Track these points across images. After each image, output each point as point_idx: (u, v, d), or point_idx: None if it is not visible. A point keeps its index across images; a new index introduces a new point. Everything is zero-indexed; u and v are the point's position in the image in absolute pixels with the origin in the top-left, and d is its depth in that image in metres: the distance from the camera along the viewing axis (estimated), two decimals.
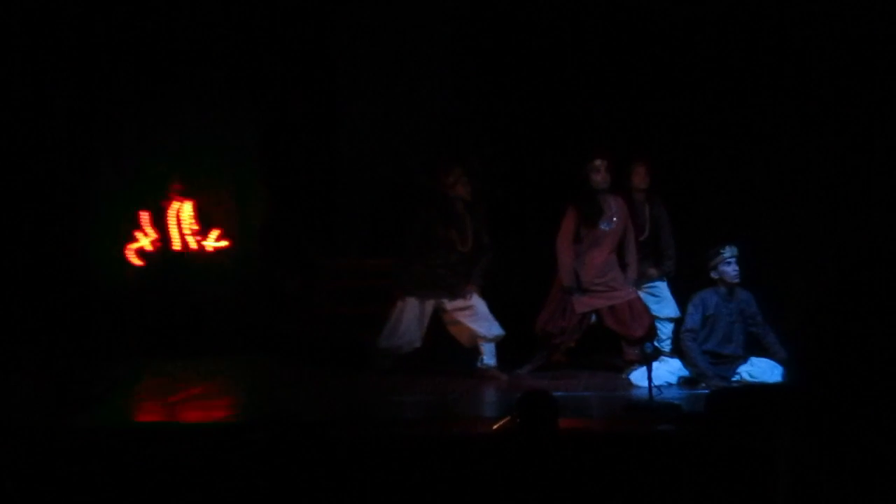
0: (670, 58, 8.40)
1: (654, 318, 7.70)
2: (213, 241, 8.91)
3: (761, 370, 7.13)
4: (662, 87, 8.39)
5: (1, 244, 8.46)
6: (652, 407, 6.36)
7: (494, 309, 7.67)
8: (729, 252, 7.18)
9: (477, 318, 7.60)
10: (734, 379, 7.18)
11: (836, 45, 7.82)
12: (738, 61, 8.22)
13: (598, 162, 7.58)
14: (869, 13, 7.68)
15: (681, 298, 7.64)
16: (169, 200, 8.87)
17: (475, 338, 7.63)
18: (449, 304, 7.64)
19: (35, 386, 7.22)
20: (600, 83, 8.51)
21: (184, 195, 8.89)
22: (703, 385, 7.03)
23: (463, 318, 7.62)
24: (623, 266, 7.69)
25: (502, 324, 7.63)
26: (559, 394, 5.42)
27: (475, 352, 7.65)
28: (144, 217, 8.87)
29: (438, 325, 7.80)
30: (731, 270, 7.17)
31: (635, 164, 7.80)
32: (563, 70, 8.56)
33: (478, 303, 7.63)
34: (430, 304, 7.65)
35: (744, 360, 7.22)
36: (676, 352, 7.53)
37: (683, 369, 7.29)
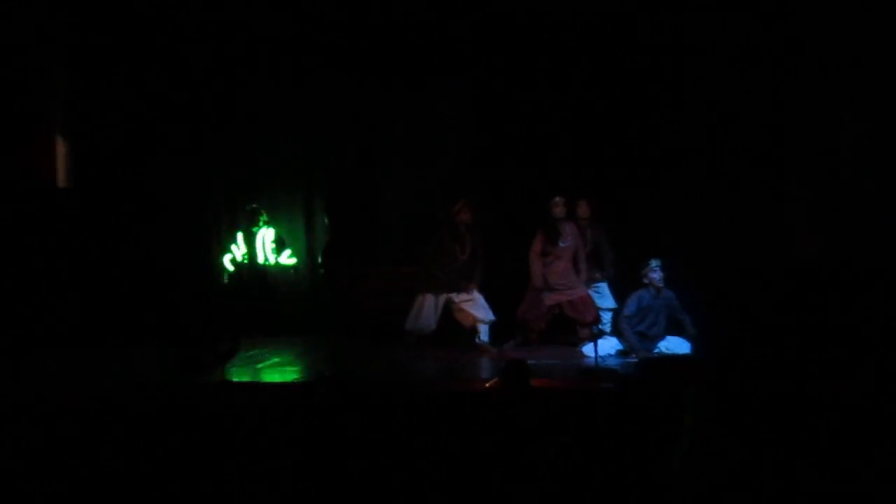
0: (604, 125, 8.40)
1: (599, 309, 7.67)
2: (286, 258, 8.92)
3: (675, 345, 7.12)
4: (602, 144, 8.40)
5: (146, 254, 8.43)
6: (598, 371, 6.37)
7: (489, 301, 7.65)
8: (654, 263, 7.20)
9: (477, 307, 7.58)
10: (655, 351, 7.14)
11: (736, 86, 7.66)
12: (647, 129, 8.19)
13: (557, 199, 7.61)
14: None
15: (621, 295, 7.60)
16: (258, 227, 8.87)
17: (475, 321, 7.62)
18: (456, 298, 7.63)
19: (161, 356, 7.18)
20: (559, 147, 8.54)
21: (268, 224, 8.88)
22: (634, 356, 7.02)
23: (467, 307, 7.60)
24: (577, 272, 7.66)
25: (495, 312, 7.61)
26: (532, 362, 5.38)
27: (474, 332, 7.65)
28: (239, 237, 8.93)
29: (448, 315, 7.78)
30: (656, 276, 7.18)
31: (579, 200, 7.80)
32: (534, 142, 8.59)
33: (477, 296, 7.61)
34: (442, 298, 7.65)
35: (663, 338, 7.21)
36: (614, 332, 7.53)
37: (619, 345, 7.30)
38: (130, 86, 8.33)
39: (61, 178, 8.23)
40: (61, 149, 8.20)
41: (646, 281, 7.18)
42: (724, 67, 7.63)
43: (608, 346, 7.28)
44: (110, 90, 8.32)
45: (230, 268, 8.86)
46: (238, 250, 8.88)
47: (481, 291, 7.65)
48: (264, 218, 8.88)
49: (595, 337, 7.07)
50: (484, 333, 7.63)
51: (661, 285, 7.14)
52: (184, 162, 8.61)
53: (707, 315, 6.97)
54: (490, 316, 7.60)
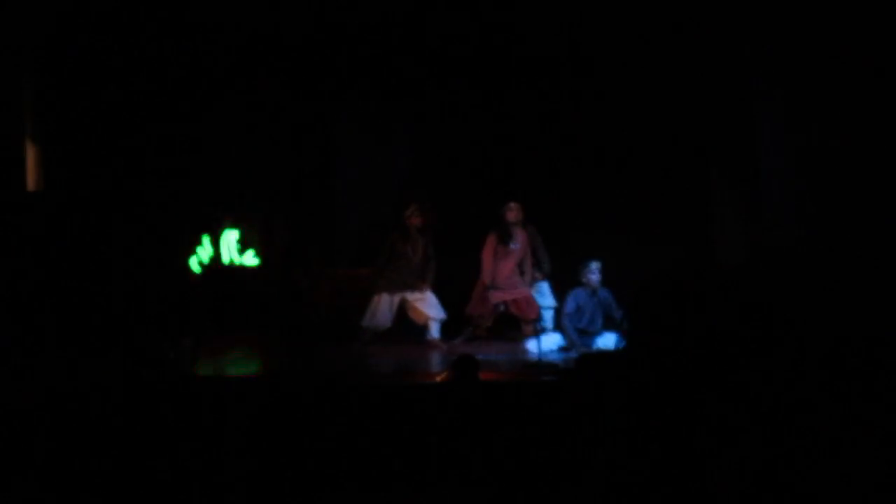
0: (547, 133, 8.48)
1: (540, 307, 7.73)
2: (249, 259, 8.82)
3: (610, 342, 7.21)
4: (549, 147, 8.46)
5: (110, 255, 8.29)
6: (540, 365, 6.46)
7: (440, 299, 7.67)
8: (594, 265, 7.23)
9: (429, 305, 7.56)
10: (594, 347, 7.16)
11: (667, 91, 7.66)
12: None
13: (511, 204, 7.64)
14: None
15: (559, 294, 7.68)
16: (224, 229, 8.81)
17: (427, 319, 7.65)
18: (410, 297, 7.61)
19: (127, 354, 7.03)
20: (499, 157, 8.61)
21: (232, 226, 8.82)
22: (573, 351, 7.11)
23: (419, 305, 7.59)
24: (522, 273, 7.72)
25: (445, 310, 7.64)
26: (480, 356, 5.35)
27: (426, 329, 7.69)
28: (205, 239, 8.82)
29: (402, 313, 7.79)
30: (594, 277, 7.22)
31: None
32: (477, 152, 8.64)
33: (429, 295, 7.59)
34: (397, 297, 7.61)
35: (600, 334, 7.30)
36: (556, 328, 7.61)
37: (560, 341, 7.36)
38: (101, 88, 8.18)
39: (31, 182, 8.05)
40: (31, 153, 8.05)
41: (584, 280, 7.20)
42: (644, 62, 7.63)
43: (550, 341, 7.31)
44: (80, 93, 8.17)
45: (196, 269, 8.79)
46: (204, 252, 8.80)
47: (433, 291, 7.63)
48: (229, 221, 8.82)
49: (537, 333, 7.15)
50: (435, 330, 7.61)
51: (597, 285, 7.17)
52: (154, 164, 8.51)
53: (629, 313, 7.12)
54: (441, 314, 7.58)
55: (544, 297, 7.83)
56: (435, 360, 7.07)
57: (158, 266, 8.58)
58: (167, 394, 5.11)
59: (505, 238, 7.57)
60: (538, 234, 7.92)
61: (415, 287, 7.60)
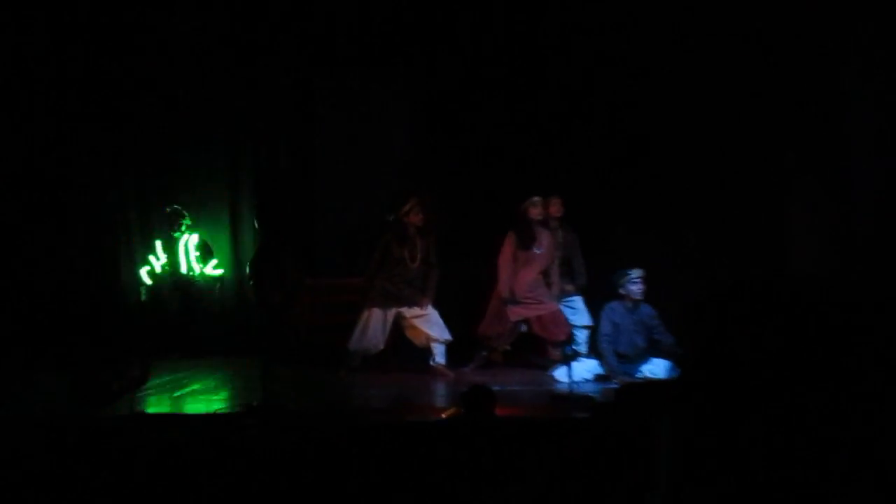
0: (588, 114, 8.49)
1: (572, 326, 7.71)
2: (212, 269, 8.91)
3: (660, 368, 7.16)
4: (581, 135, 8.47)
5: (47, 266, 8.44)
6: (571, 398, 6.37)
7: (444, 317, 7.67)
8: (636, 273, 7.21)
9: (431, 324, 7.59)
10: (637, 375, 7.16)
11: (724, 86, 7.70)
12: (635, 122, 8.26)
13: (536, 198, 7.65)
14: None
15: (594, 310, 7.66)
16: (180, 233, 8.85)
17: (429, 340, 7.63)
18: (407, 313, 7.63)
19: (59, 383, 7.03)
20: (529, 133, 8.60)
21: (191, 229, 8.89)
22: (613, 381, 7.04)
23: (419, 324, 7.61)
24: (548, 284, 7.71)
25: (450, 329, 7.63)
26: (496, 387, 5.36)
27: (428, 352, 7.67)
28: (158, 246, 8.86)
29: (398, 333, 7.80)
30: (636, 289, 7.20)
31: (552, 197, 7.81)
32: (493, 135, 8.66)
33: (431, 311, 7.63)
34: (391, 313, 7.63)
35: (646, 360, 7.25)
36: (591, 353, 7.58)
37: (597, 368, 7.31)
38: (36, 81, 8.37)
39: None
40: None
41: (622, 292, 7.22)
42: (713, 47, 7.69)
43: (584, 369, 7.30)
44: (13, 86, 8.38)
45: (148, 281, 8.81)
46: (157, 261, 8.80)
47: (436, 306, 7.68)
48: (187, 221, 8.86)
49: (568, 359, 7.12)
50: (440, 354, 7.65)
51: (640, 298, 7.20)
52: (91, 161, 8.62)
53: (688, 334, 7.08)
54: (446, 334, 7.62)
55: (577, 313, 7.87)
56: (440, 391, 7.13)
57: (99, 277, 8.65)
58: (108, 436, 5.13)
59: (526, 240, 7.60)
60: (576, 238, 7.92)
61: (413, 301, 7.62)
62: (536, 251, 7.61)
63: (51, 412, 5.84)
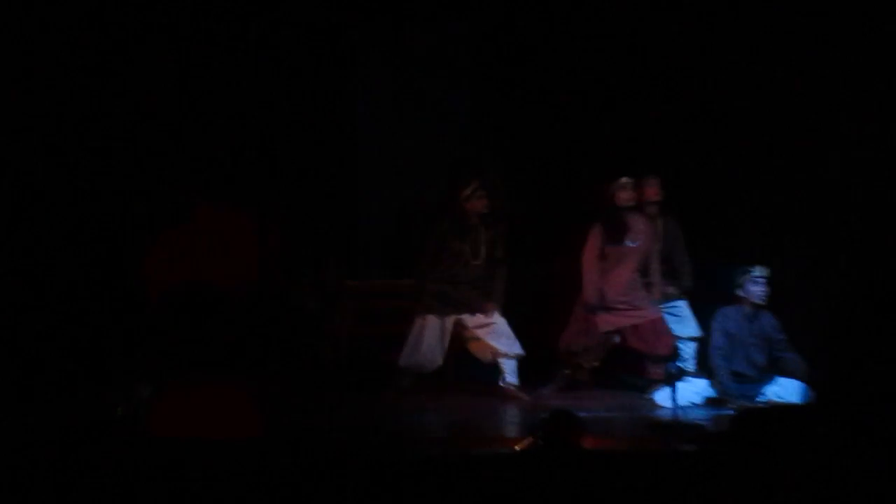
0: (683, 67, 8.46)
1: (676, 338, 7.69)
2: (232, 268, 8.93)
3: (787, 391, 7.12)
4: (675, 96, 8.45)
5: (41, 264, 8.49)
6: (676, 427, 6.35)
7: (516, 326, 7.66)
8: (758, 272, 7.20)
9: (498, 336, 7.58)
10: (759, 399, 7.13)
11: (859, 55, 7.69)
12: (759, 66, 8.20)
13: (625, 180, 7.62)
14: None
15: (702, 318, 7.68)
16: (192, 224, 8.92)
17: (496, 355, 7.62)
18: (469, 321, 7.64)
19: (55, 407, 7.14)
20: (618, 98, 8.60)
21: (208, 220, 8.94)
22: (728, 405, 7.02)
23: (484, 335, 7.61)
24: (646, 285, 7.69)
25: (525, 341, 7.62)
26: (583, 413, 5.39)
27: (496, 370, 7.65)
28: (166, 239, 8.92)
29: (459, 346, 7.83)
30: (757, 290, 7.19)
31: (648, 178, 7.80)
32: (584, 86, 8.67)
33: (499, 320, 7.62)
34: (450, 322, 7.64)
35: (769, 379, 7.22)
36: (700, 371, 7.58)
37: (708, 389, 7.28)
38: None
39: None
40: None
41: (740, 294, 7.22)
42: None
43: (692, 390, 7.26)
44: None
45: (159, 284, 8.87)
46: (164, 258, 8.87)
47: (505, 312, 7.68)
48: (201, 210, 8.91)
49: (672, 378, 7.03)
50: (510, 372, 7.63)
51: (761, 302, 7.20)
52: (87, 124, 8.65)
53: (827, 348, 7.06)
54: (516, 348, 7.61)
55: (682, 322, 7.87)
56: (512, 417, 7.17)
57: (100, 281, 8.74)
58: (115, 464, 5.10)
59: (616, 232, 7.62)
60: (679, 229, 7.91)
61: (477, 306, 7.65)
62: (629, 245, 7.63)
63: (47, 441, 5.84)
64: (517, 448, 5.46)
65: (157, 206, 8.83)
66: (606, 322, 7.61)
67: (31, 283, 8.39)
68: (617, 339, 7.68)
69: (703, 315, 7.66)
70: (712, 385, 7.28)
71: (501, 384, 7.62)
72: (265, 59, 8.88)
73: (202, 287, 8.71)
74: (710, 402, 7.22)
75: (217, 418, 6.59)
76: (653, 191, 7.81)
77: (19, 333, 8.17)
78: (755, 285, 7.19)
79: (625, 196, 7.62)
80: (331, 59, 9.09)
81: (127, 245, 8.72)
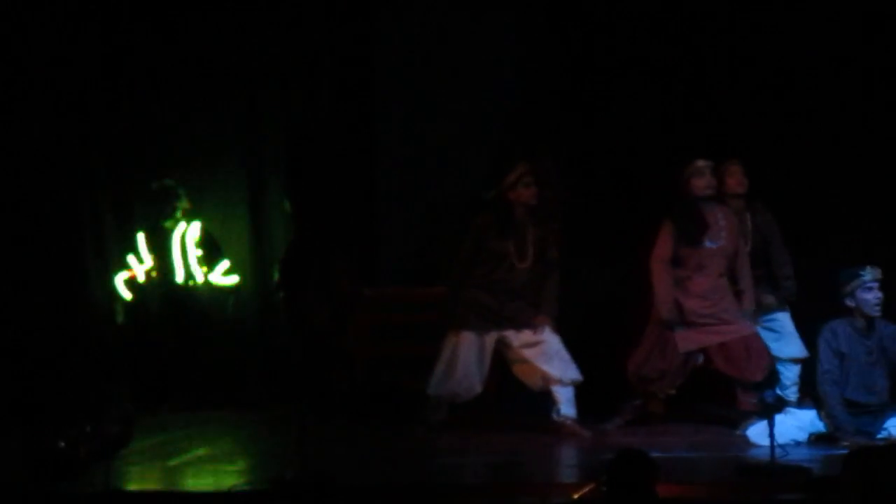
0: (773, 31, 8.52)
1: (774, 360, 7.66)
2: (220, 275, 9.03)
3: None
4: (763, 68, 8.48)
5: None
6: (774, 470, 6.28)
7: (572, 346, 7.67)
8: (870, 275, 7.18)
9: (549, 357, 7.59)
10: (880, 435, 7.13)
11: None
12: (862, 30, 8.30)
13: (701, 164, 7.62)
14: None
15: (803, 333, 7.74)
16: (173, 220, 8.95)
17: (548, 381, 7.60)
18: (514, 339, 7.62)
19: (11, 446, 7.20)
20: (695, 68, 8.64)
21: (189, 216, 9.00)
22: (841, 442, 6.98)
23: (532, 356, 7.61)
24: (736, 293, 7.67)
25: (582, 364, 7.64)
26: (657, 454, 5.29)
27: (549, 399, 7.63)
28: (141, 240, 8.99)
29: (501, 369, 7.82)
30: (871, 298, 7.17)
31: (729, 165, 7.80)
32: (651, 55, 8.68)
33: (550, 337, 7.62)
34: (491, 340, 7.64)
35: (892, 410, 7.20)
36: (805, 400, 7.54)
37: (815, 422, 7.26)
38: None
39: None
40: None
41: (850, 304, 7.23)
42: None
43: (794, 424, 7.25)
44: None
45: (126, 294, 9.00)
46: (140, 264, 8.99)
47: (558, 329, 7.64)
48: (183, 204, 9.00)
49: (769, 409, 6.87)
50: (566, 403, 7.61)
51: (877, 314, 7.19)
52: (45, 126, 8.88)
53: None
54: (572, 372, 7.60)
55: (782, 339, 7.90)
56: (569, 458, 7.22)
57: (56, 292, 8.86)
58: None
59: (692, 230, 7.63)
60: (775, 223, 7.89)
61: (523, 321, 7.64)
62: (710, 245, 7.66)
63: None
64: (575, 497, 5.50)
65: (124, 197, 9.11)
66: (686, 340, 7.60)
67: None
68: (699, 360, 7.67)
69: (806, 331, 7.71)
70: (820, 417, 7.27)
71: (555, 417, 7.61)
72: (277, 34, 9.11)
73: (182, 296, 8.89)
74: (817, 439, 7.22)
75: (198, 464, 6.98)
76: (735, 179, 7.80)
77: None
78: (867, 292, 7.17)
79: (702, 184, 7.62)
80: (344, 23, 9.15)
81: (82, 247, 9.05)
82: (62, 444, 6.67)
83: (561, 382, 7.58)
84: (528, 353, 7.61)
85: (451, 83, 9.05)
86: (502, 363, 7.80)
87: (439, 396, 7.67)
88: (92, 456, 6.50)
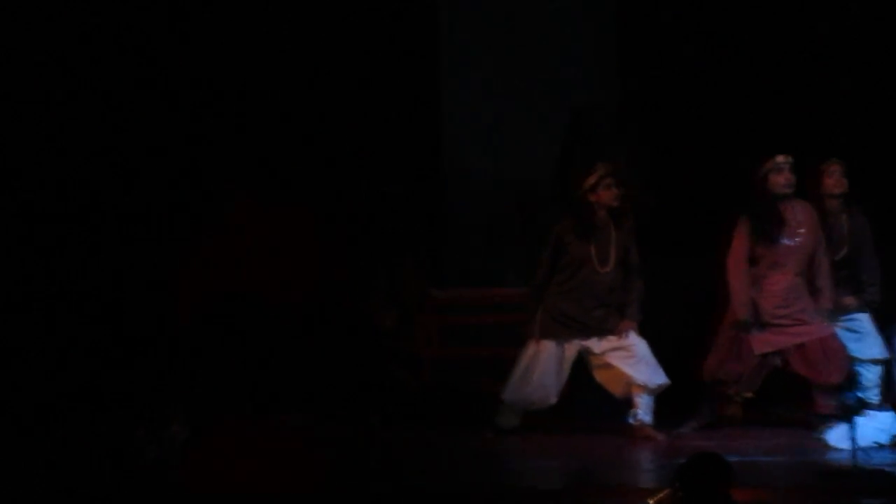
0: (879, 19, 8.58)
1: (855, 361, 7.67)
2: (285, 278, 8.99)
3: None
4: (862, 62, 8.52)
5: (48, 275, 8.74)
6: (856, 474, 6.32)
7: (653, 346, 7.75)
8: None
9: (636, 362, 7.63)
10: None
11: None
12: None
13: (780, 159, 7.64)
14: None
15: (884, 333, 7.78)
16: (232, 223, 9.00)
17: (631, 387, 7.66)
18: (597, 346, 7.70)
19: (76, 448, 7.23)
20: (779, 62, 8.67)
21: (253, 215, 9.02)
22: None
23: (617, 361, 7.66)
24: (814, 293, 7.70)
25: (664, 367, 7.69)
26: (734, 458, 5.24)
27: (626, 404, 7.70)
28: (200, 243, 9.03)
29: (580, 375, 7.87)
30: None
31: (828, 164, 7.79)
32: (733, 46, 8.72)
33: (636, 342, 7.68)
34: (572, 349, 7.73)
35: None
36: (886, 402, 7.59)
37: None
38: None
39: None
40: None
41: None
42: None
43: (876, 427, 7.22)
44: None
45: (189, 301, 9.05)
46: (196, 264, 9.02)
47: (643, 333, 7.76)
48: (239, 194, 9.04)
49: (849, 412, 6.96)
50: (644, 408, 7.71)
51: None
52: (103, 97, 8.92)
53: None
54: (659, 378, 7.70)
55: (862, 340, 7.88)
56: (644, 463, 7.25)
57: (124, 294, 8.92)
58: None
59: (771, 226, 7.68)
60: (869, 228, 7.91)
61: (608, 326, 7.72)
62: (788, 242, 7.69)
63: (59, 492, 6.14)
64: (651, 502, 5.28)
65: (188, 202, 9.05)
66: (762, 342, 7.66)
67: (41, 295, 8.60)
68: (777, 362, 7.73)
69: (888, 332, 7.79)
70: None
71: (632, 422, 7.69)
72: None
73: (248, 302, 8.95)
74: None
75: (268, 468, 6.94)
76: (834, 180, 7.80)
77: (25, 356, 8.39)
78: None
79: (781, 181, 7.64)
80: (410, 21, 9.19)
81: (151, 252, 8.94)
82: (133, 446, 6.91)
83: (645, 388, 7.65)
84: (613, 359, 7.67)
85: (520, 77, 9.08)
86: (581, 367, 7.81)
87: (513, 403, 7.74)
88: (160, 457, 6.77)
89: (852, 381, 7.61)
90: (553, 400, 7.73)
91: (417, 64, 9.19)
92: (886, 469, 6.48)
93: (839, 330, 7.77)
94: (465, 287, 8.95)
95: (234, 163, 9.04)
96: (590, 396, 8.04)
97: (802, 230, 7.68)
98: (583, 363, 7.84)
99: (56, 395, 8.09)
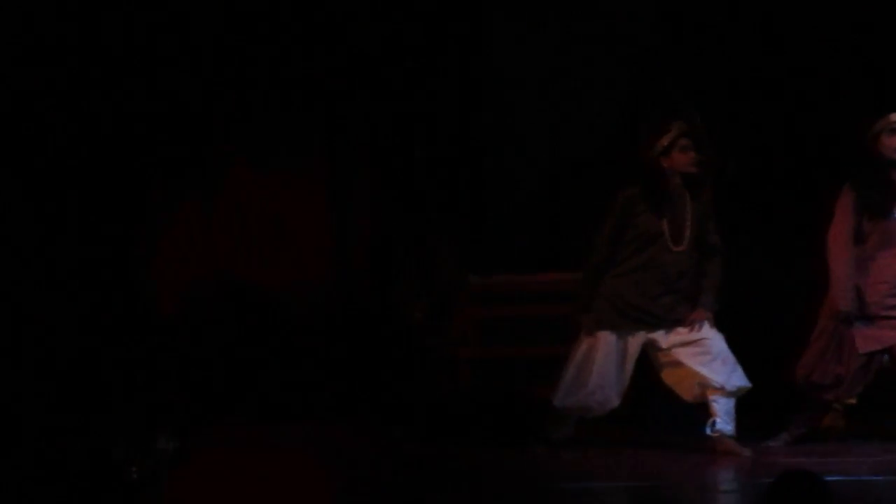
0: None
1: None
2: (295, 263, 9.06)
3: None
4: None
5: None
6: None
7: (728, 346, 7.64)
8: None
9: (711, 360, 7.46)
10: None
11: None
12: None
13: (894, 118, 7.35)
14: None
15: None
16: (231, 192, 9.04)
17: (705, 389, 7.39)
18: (665, 339, 7.50)
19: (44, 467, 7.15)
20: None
21: (254, 186, 9.04)
22: None
23: (689, 358, 7.46)
24: None
25: (743, 369, 7.53)
26: (833, 478, 5.39)
27: (705, 411, 7.45)
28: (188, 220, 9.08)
29: (643, 367, 7.63)
30: None
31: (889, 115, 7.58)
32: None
33: (712, 336, 7.50)
34: (636, 342, 7.54)
35: None
36: None
37: None
38: None
39: None
40: None
41: None
42: None
43: None
44: None
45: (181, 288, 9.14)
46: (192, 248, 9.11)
47: (720, 326, 7.58)
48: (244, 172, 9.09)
49: None
50: (725, 416, 7.48)
51: None
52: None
53: None
54: (739, 379, 7.48)
55: None
56: (724, 481, 7.24)
57: (94, 280, 8.89)
58: None
59: (882, 199, 7.53)
60: None
61: (677, 317, 7.52)
62: None
63: None
64: None
65: (177, 167, 9.25)
66: (867, 338, 7.45)
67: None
68: (886, 362, 7.53)
69: None
70: None
71: (710, 433, 7.48)
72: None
73: (249, 291, 8.71)
74: None
75: (266, 490, 6.98)
76: None
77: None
78: None
79: (893, 143, 7.46)
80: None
81: (129, 231, 9.17)
82: (111, 464, 6.74)
83: (723, 391, 7.38)
84: (682, 355, 7.44)
85: (570, 26, 9.04)
86: (647, 366, 7.59)
87: (566, 410, 7.53)
88: (146, 476, 6.49)
89: None
90: (615, 403, 7.51)
91: (457, 16, 9.23)
92: None
93: None
94: (509, 273, 8.74)
95: (234, 120, 9.14)
96: (659, 402, 7.86)
97: None
98: (649, 362, 7.63)
99: (21, 406, 8.08)
